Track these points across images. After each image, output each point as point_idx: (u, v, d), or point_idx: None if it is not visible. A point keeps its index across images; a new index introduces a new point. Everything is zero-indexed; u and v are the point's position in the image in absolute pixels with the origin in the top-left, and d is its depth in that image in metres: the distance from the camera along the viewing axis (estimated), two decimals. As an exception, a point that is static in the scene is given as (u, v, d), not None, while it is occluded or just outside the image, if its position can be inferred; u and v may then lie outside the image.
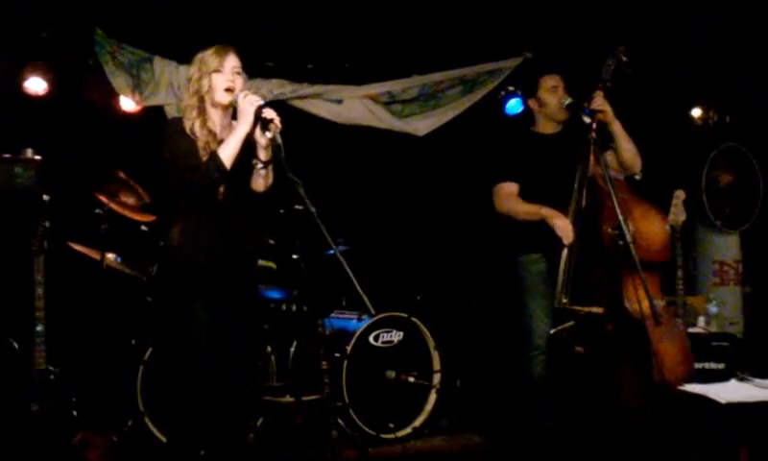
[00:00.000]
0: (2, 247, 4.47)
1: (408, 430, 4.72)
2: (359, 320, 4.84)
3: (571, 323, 3.58)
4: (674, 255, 3.98)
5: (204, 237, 3.09)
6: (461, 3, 4.88)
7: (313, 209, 2.88)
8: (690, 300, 4.66)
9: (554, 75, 4.04)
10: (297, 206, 4.07)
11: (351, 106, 5.22)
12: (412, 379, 4.71)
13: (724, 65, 5.39)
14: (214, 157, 3.01)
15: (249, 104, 2.98)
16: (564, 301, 3.61)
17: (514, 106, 5.26)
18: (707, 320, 4.73)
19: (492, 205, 4.05)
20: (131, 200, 4.54)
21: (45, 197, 3.99)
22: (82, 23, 4.63)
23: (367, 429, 4.57)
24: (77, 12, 4.59)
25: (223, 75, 3.08)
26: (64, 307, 4.29)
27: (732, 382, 3.39)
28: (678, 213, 4.15)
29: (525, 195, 3.96)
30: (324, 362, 4.20)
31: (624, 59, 3.74)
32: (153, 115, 4.80)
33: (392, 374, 4.71)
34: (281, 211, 4.44)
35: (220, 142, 3.06)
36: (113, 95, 4.79)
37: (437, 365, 4.83)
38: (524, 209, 3.91)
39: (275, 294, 4.80)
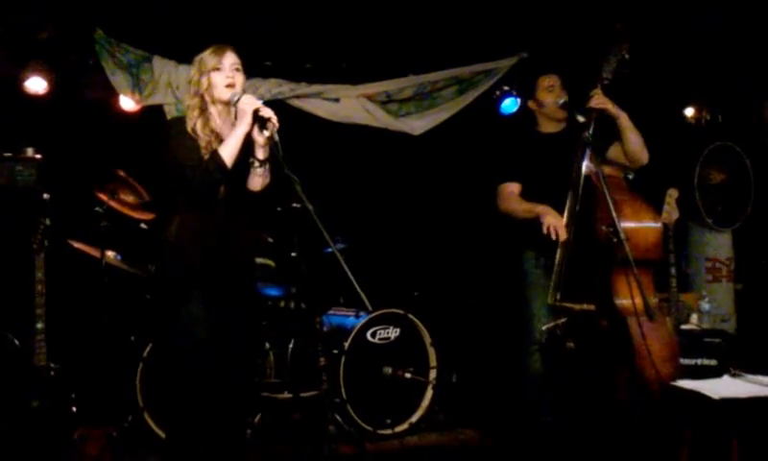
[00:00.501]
0: (2, 245, 4.48)
1: (405, 426, 4.73)
2: (356, 317, 4.85)
3: (564, 319, 3.60)
4: (667, 253, 4.02)
5: (202, 235, 3.11)
6: (457, 3, 4.90)
7: (311, 207, 2.91)
8: (683, 297, 4.69)
9: (551, 75, 4.09)
10: (294, 204, 4.11)
11: (348, 105, 5.24)
12: (409, 375, 4.73)
13: (717, 65, 5.41)
14: (215, 156, 3.03)
15: (247, 105, 3.01)
16: (557, 297, 3.65)
17: (508, 105, 5.28)
18: (700, 317, 4.75)
19: (495, 204, 4.08)
20: (130, 198, 4.56)
21: (45, 195, 3.99)
22: (82, 23, 4.64)
23: (364, 425, 4.59)
24: (77, 12, 4.59)
25: (222, 72, 3.10)
26: (64, 304, 4.31)
27: (725, 378, 3.39)
28: (671, 211, 4.20)
29: (528, 194, 3.98)
30: (321, 359, 4.19)
31: (627, 56, 3.70)
32: (152, 114, 4.82)
33: (389, 370, 4.73)
34: (279, 209, 4.46)
35: (221, 142, 3.08)
36: (113, 94, 4.80)
37: (433, 361, 4.84)
38: (523, 208, 3.95)
39: (273, 291, 4.82)
